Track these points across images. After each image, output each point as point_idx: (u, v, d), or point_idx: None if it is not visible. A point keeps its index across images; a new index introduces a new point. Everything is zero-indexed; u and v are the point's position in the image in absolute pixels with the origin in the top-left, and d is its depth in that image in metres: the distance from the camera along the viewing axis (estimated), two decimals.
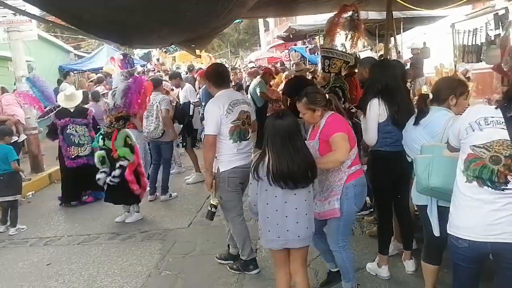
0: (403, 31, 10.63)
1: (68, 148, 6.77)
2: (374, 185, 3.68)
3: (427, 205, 2.84)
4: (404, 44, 11.45)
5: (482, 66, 8.27)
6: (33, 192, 7.86)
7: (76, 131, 6.79)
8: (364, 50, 13.66)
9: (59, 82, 14.12)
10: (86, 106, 7.64)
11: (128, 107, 5.92)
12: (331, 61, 5.53)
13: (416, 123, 2.97)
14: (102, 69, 17.20)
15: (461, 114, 2.79)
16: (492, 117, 2.18)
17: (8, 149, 5.95)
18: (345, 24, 5.85)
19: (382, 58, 6.51)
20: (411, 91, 10.33)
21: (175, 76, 8.85)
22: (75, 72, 16.98)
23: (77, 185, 6.85)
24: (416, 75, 10.74)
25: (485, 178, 2.13)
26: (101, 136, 5.76)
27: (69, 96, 6.87)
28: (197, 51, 6.96)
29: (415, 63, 10.93)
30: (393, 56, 8.75)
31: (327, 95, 3.36)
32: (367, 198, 4.62)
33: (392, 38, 8.25)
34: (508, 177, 2.08)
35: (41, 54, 13.70)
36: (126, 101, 5.94)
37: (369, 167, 3.69)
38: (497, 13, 7.30)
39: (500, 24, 7.16)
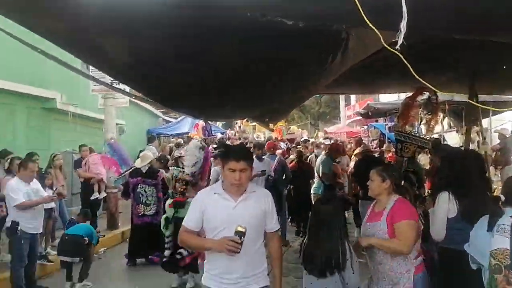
0: (492, 115, 10.12)
1: (137, 206, 7.12)
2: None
3: None
4: (494, 128, 10.86)
5: None
6: (105, 248, 8.18)
7: (145, 191, 7.13)
8: (451, 130, 13.08)
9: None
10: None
11: (200, 178, 6.11)
12: (404, 145, 5.34)
13: (489, 227, 2.69)
14: (187, 133, 18.27)
15: None
16: None
17: (93, 232, 6.44)
18: (421, 107, 5.69)
19: (461, 146, 6.22)
20: (499, 180, 9.63)
21: (259, 147, 8.42)
22: (162, 135, 18.14)
23: (144, 242, 7.05)
24: (506, 162, 9.99)
25: None
26: (170, 203, 5.88)
27: (142, 157, 7.36)
28: (271, 125, 7.11)
29: (504, 149, 10.17)
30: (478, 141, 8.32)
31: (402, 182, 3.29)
32: None
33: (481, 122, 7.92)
34: None
35: (132, 118, 14.87)
36: (201, 171, 6.14)
37: (435, 265, 3.39)
38: None
39: None
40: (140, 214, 7.11)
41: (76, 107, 10.36)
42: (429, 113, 5.61)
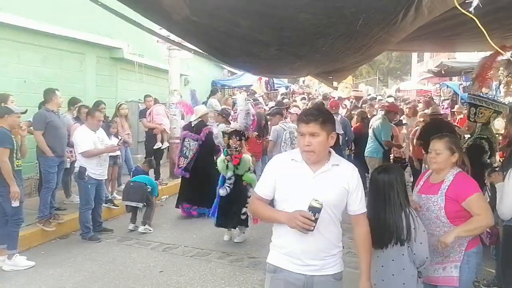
0: None
1: (179, 158, 7.40)
2: (506, 263, 3.14)
3: None
4: None
5: None
6: (167, 196, 8.56)
7: (189, 145, 7.33)
8: None
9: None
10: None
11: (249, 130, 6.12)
12: (478, 110, 4.89)
13: None
14: (251, 86, 18.22)
15: None
16: None
17: (155, 185, 6.88)
18: (501, 68, 5.15)
19: None
20: None
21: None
22: (226, 87, 18.22)
23: (187, 193, 7.40)
24: None
25: None
26: (226, 162, 5.88)
27: (195, 111, 7.52)
28: (335, 83, 6.81)
29: None
30: None
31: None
32: None
33: None
34: None
35: (196, 69, 14.97)
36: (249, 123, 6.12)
37: (500, 241, 3.17)
38: None
39: None
40: (179, 166, 7.38)
41: (142, 57, 10.57)
42: (510, 75, 5.04)
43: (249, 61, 4.56)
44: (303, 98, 15.24)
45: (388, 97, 16.50)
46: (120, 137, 7.62)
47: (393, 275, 2.70)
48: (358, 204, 2.47)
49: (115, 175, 7.88)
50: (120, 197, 7.75)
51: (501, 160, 5.13)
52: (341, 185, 2.42)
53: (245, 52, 4.25)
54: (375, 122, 7.92)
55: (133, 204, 6.52)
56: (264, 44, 3.88)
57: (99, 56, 9.94)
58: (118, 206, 7.45)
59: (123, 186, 8.28)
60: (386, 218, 2.73)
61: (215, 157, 6.69)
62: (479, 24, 1.60)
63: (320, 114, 2.39)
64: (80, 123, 6.62)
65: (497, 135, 6.54)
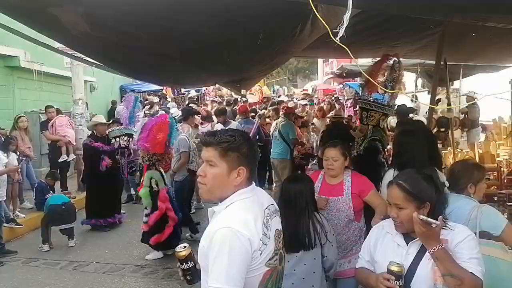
0: (463, 77, 10.20)
1: None
2: None
3: None
4: (466, 89, 11.05)
5: None
6: (77, 210, 8.16)
7: None
8: (424, 90, 13.23)
9: (113, 103, 14.86)
10: None
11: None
12: (369, 113, 5.33)
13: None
14: (160, 91, 17.93)
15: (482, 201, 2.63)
16: None
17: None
18: (385, 74, 5.63)
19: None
20: (466, 143, 9.88)
21: (220, 114, 8.31)
22: (135, 92, 17.73)
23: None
24: (472, 125, 10.21)
25: None
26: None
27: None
28: (243, 91, 6.97)
29: (471, 112, 10.33)
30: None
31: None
32: None
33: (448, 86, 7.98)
34: None
35: (103, 74, 14.38)
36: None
37: None
38: None
39: None
40: None
41: (42, 65, 9.97)
42: (394, 80, 5.51)
43: (153, 73, 4.57)
44: (213, 101, 15.21)
45: (302, 99, 17.17)
46: (18, 154, 7.16)
47: (303, 278, 2.87)
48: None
49: (16, 192, 7.37)
50: (23, 215, 7.32)
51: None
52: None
53: (149, 64, 4.27)
54: (280, 123, 8.09)
55: (72, 225, 6.43)
56: (167, 57, 3.93)
57: None
58: (21, 225, 7.01)
59: (26, 203, 7.83)
60: (296, 224, 2.91)
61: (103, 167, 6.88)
62: (348, 51, 1.82)
63: (224, 140, 1.79)
64: None
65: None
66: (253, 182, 1.89)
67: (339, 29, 1.76)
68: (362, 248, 2.35)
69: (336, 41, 1.75)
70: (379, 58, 5.73)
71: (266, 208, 1.87)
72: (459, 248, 1.96)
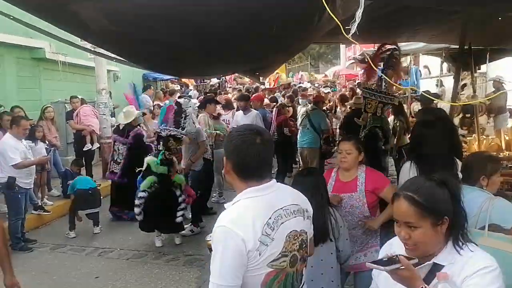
0: (490, 61, 9.93)
1: (111, 162, 7.38)
2: None
3: None
4: (491, 75, 10.74)
5: None
6: (101, 197, 8.38)
7: (119, 149, 7.28)
8: (449, 75, 12.96)
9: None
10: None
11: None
12: (366, 101, 5.29)
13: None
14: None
15: (496, 194, 2.60)
16: None
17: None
18: (384, 62, 5.54)
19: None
20: (493, 129, 9.63)
21: (242, 99, 8.20)
22: (158, 80, 17.85)
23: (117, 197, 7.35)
24: (499, 111, 9.95)
25: None
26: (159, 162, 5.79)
27: (126, 113, 7.34)
28: (261, 78, 6.99)
29: (497, 98, 10.02)
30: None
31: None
32: None
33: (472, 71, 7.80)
34: None
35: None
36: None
37: None
38: None
39: None
40: (111, 170, 7.33)
41: (66, 56, 10.18)
42: (391, 68, 5.38)
43: (174, 66, 4.62)
44: (234, 89, 15.24)
45: (324, 87, 17.00)
46: (47, 143, 7.39)
47: (322, 274, 2.89)
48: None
49: (44, 180, 7.63)
50: (51, 203, 7.57)
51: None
52: None
53: (169, 57, 4.32)
54: (310, 113, 8.00)
55: (97, 210, 6.61)
56: (187, 49, 3.96)
57: (19, 57, 9.50)
58: (49, 212, 7.27)
59: (53, 191, 8.09)
60: (314, 218, 2.92)
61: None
62: (355, 42, 1.83)
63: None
64: (2, 132, 6.34)
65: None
66: (270, 179, 1.86)
67: (351, 25, 1.76)
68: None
69: (348, 37, 1.76)
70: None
71: (281, 209, 1.82)
72: (465, 285, 1.55)
